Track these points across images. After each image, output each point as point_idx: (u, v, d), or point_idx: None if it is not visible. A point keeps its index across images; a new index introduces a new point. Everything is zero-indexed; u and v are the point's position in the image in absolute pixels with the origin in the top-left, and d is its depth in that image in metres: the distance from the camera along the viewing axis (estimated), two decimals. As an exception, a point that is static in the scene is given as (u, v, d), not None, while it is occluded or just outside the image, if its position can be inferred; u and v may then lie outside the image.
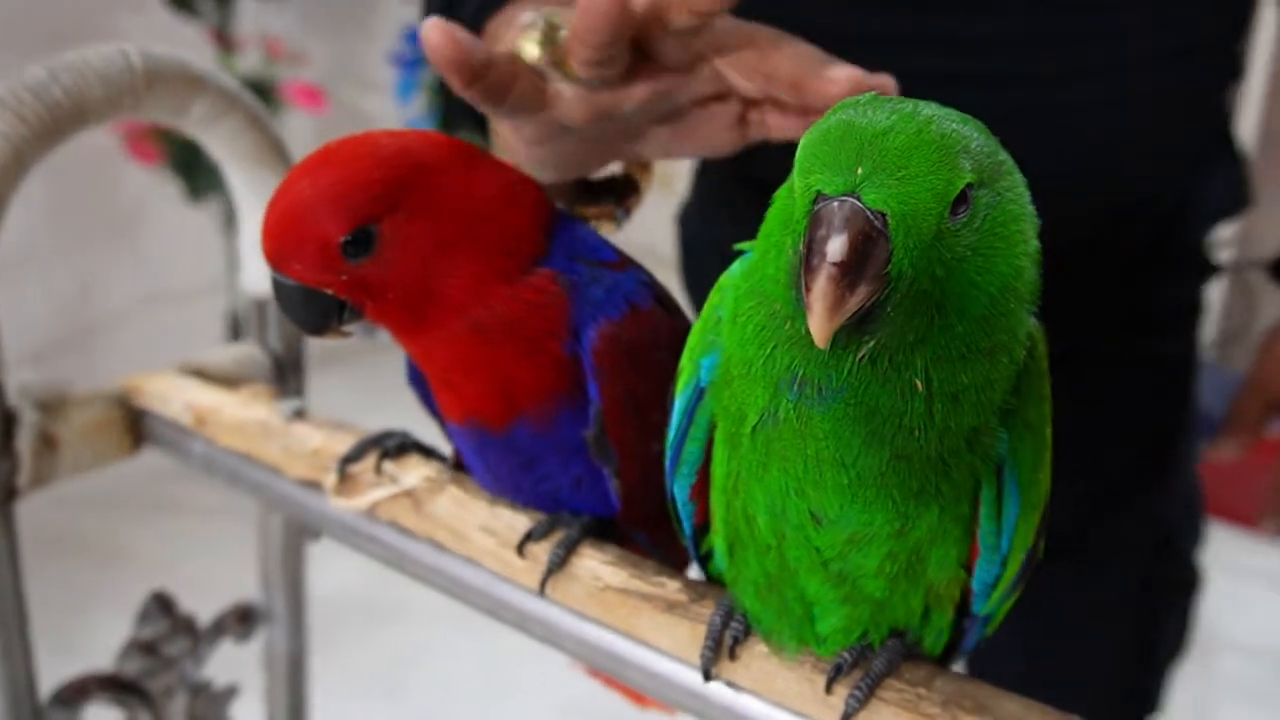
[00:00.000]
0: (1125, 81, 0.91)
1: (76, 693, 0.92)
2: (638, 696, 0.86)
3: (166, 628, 0.98)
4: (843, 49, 0.66)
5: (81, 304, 3.24)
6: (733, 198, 1.08)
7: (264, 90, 2.91)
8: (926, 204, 0.44)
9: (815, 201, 0.44)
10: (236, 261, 3.20)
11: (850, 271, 0.43)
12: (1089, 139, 0.92)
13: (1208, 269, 1.14)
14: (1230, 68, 1.02)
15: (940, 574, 0.54)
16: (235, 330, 3.15)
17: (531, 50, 0.66)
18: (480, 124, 0.78)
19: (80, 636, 2.06)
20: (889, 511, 0.51)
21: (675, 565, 0.70)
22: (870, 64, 0.65)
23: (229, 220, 3.02)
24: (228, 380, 0.93)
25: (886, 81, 0.64)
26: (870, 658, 0.56)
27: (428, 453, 0.76)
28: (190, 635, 1.00)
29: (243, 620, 1.05)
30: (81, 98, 0.79)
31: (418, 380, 0.74)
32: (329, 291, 0.60)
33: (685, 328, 0.69)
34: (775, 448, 0.51)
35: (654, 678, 0.64)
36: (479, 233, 0.61)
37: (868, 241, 0.43)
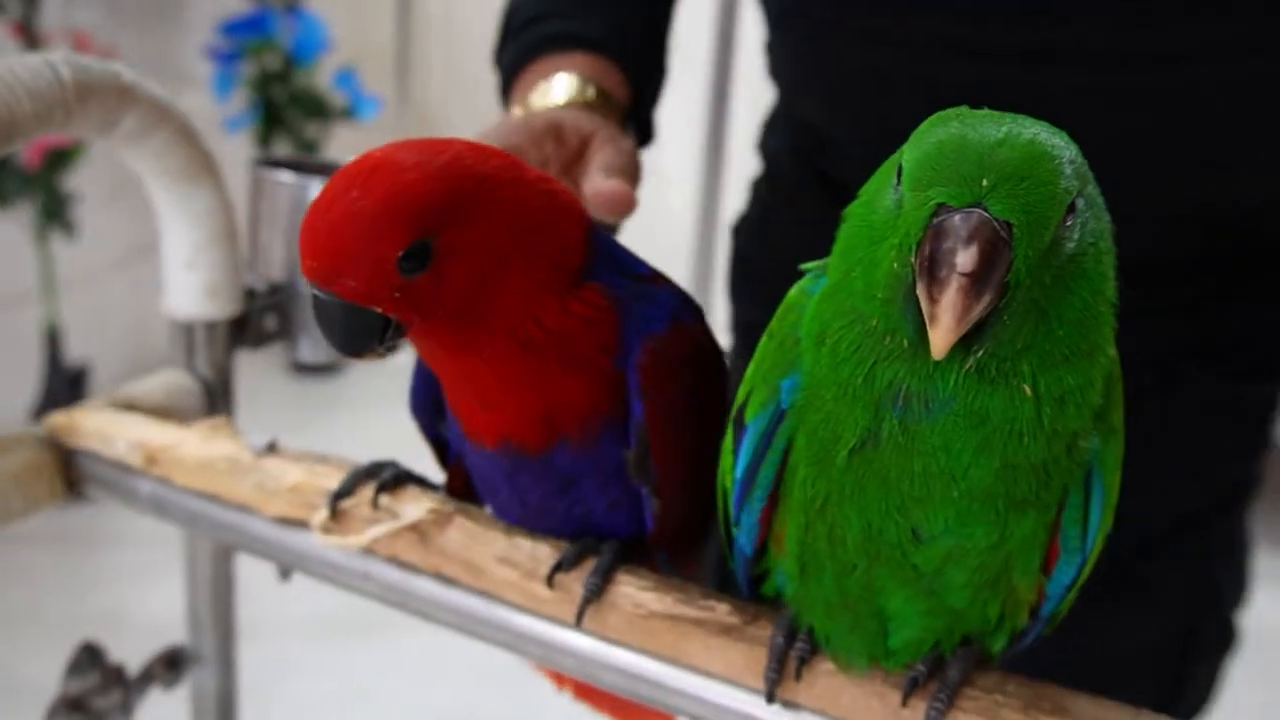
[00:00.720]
0: (1234, 70, 0.81)
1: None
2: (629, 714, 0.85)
3: (96, 681, 0.91)
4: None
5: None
6: (798, 199, 1.06)
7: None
8: (1047, 213, 0.45)
9: (935, 214, 0.44)
10: (52, 272, 2.97)
11: (979, 282, 0.44)
12: (1180, 132, 0.82)
13: None
14: None
15: (1024, 580, 0.55)
16: (53, 345, 2.94)
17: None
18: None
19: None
20: (990, 523, 0.51)
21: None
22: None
23: (42, 228, 2.81)
24: (160, 412, 0.86)
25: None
26: (945, 667, 0.57)
27: (423, 483, 0.72)
28: (121, 686, 0.92)
29: (171, 665, 0.98)
30: (10, 115, 0.71)
31: (422, 408, 0.70)
32: (377, 309, 0.57)
33: (716, 343, 0.68)
34: (875, 468, 0.51)
35: (703, 703, 0.63)
36: (531, 245, 0.59)
37: (995, 251, 0.44)
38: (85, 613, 2.46)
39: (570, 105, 0.83)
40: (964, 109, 0.48)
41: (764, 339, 0.58)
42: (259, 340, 0.97)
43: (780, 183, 1.12)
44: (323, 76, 3.77)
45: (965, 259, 0.44)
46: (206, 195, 0.87)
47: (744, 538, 0.60)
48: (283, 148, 3.66)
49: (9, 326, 3.02)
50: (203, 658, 1.00)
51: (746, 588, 0.64)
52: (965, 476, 0.49)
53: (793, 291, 0.57)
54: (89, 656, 0.90)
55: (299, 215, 0.99)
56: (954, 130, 0.46)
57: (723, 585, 0.71)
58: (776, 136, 1.13)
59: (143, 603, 2.42)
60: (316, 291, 0.56)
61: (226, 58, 3.54)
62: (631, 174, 0.78)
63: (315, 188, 0.98)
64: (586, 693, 0.83)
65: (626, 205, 0.75)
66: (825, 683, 0.59)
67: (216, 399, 0.93)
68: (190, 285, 0.89)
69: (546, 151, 0.79)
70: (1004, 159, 0.45)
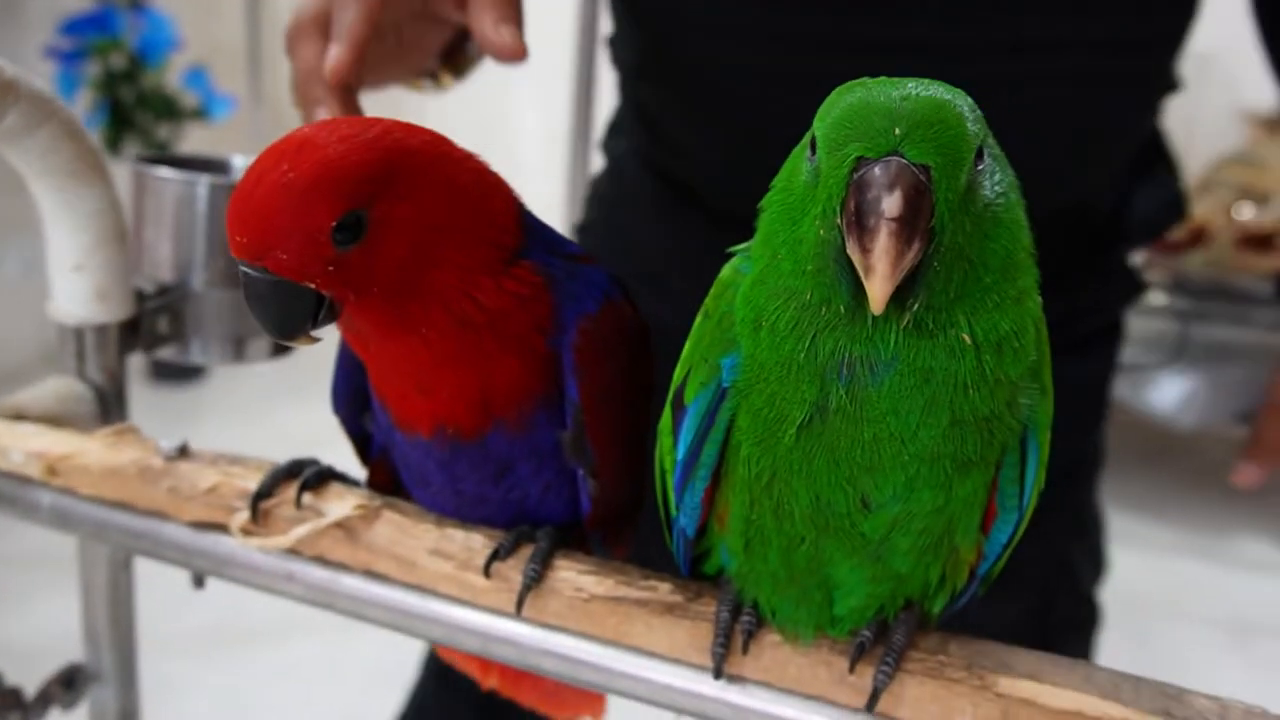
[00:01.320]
0: (1059, 87, 0.92)
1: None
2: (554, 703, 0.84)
3: (-10, 708, 0.86)
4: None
5: None
6: (641, 200, 1.07)
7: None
8: (961, 155, 0.47)
9: (855, 169, 0.46)
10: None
11: (906, 226, 0.45)
12: (1023, 141, 0.92)
13: (1134, 287, 1.13)
14: (1165, 79, 1.02)
15: (965, 540, 0.56)
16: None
17: None
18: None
19: None
20: (937, 486, 0.52)
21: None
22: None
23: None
24: (52, 420, 0.82)
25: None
26: (889, 632, 0.58)
27: (345, 480, 0.71)
28: (19, 710, 0.88)
29: (69, 685, 0.93)
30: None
31: (345, 401, 0.68)
32: (310, 286, 0.55)
33: (644, 321, 0.68)
34: (824, 441, 0.52)
35: (649, 684, 0.63)
36: (465, 221, 0.59)
37: (918, 195, 0.46)
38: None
39: None
40: (863, 79, 0.50)
41: (699, 318, 0.58)
42: (151, 344, 0.93)
43: (622, 184, 1.13)
44: (172, 76, 3.64)
45: (891, 204, 0.45)
46: (95, 195, 0.83)
47: (686, 518, 0.60)
48: (133, 149, 3.52)
49: None
50: (102, 675, 0.96)
51: (686, 567, 0.65)
52: (915, 438, 0.50)
53: (726, 270, 0.58)
54: (-18, 682, 0.86)
55: (187, 213, 0.96)
56: (859, 94, 0.49)
57: (649, 567, 0.71)
58: (619, 139, 1.15)
59: (37, 622, 2.32)
60: (247, 269, 0.55)
61: (69, 57, 3.39)
62: (517, 19, 0.79)
63: (203, 184, 0.95)
64: (513, 684, 0.82)
65: (519, 56, 0.77)
66: (771, 654, 0.60)
67: (110, 405, 0.89)
68: (79, 288, 0.85)
69: None
70: (912, 109, 0.47)
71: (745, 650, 0.60)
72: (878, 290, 0.46)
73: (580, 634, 0.64)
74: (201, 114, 3.71)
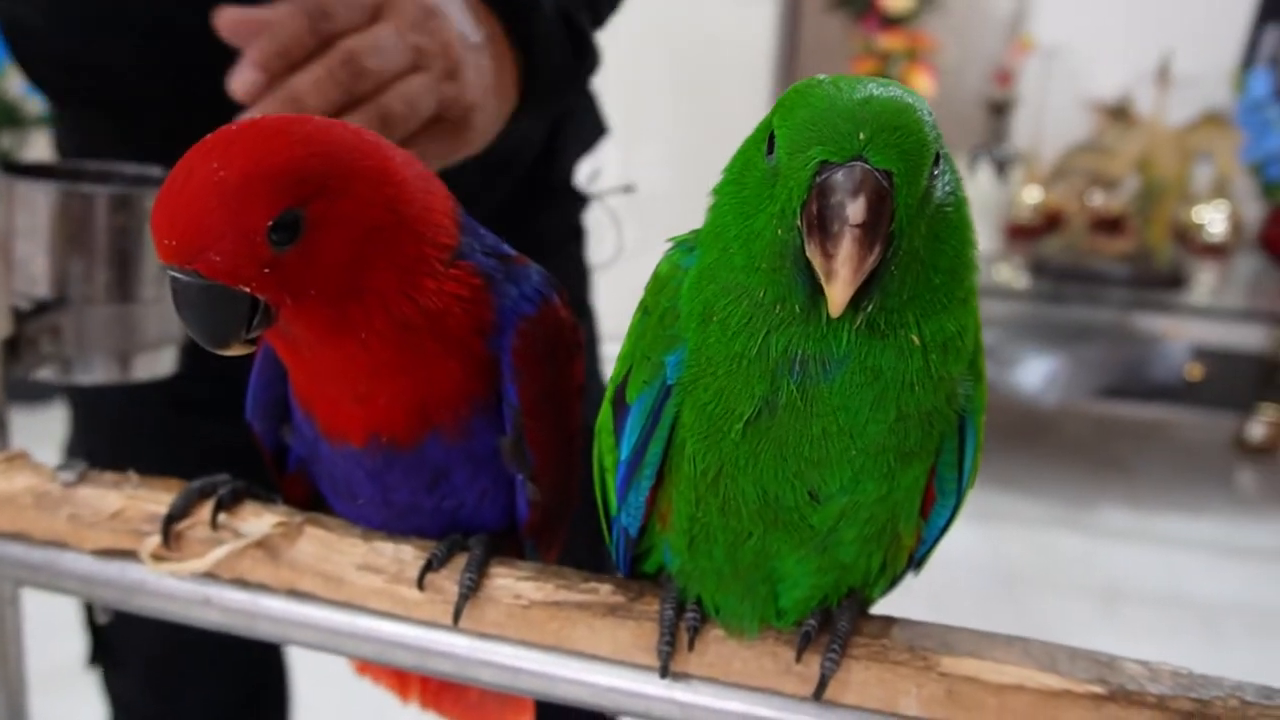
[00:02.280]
0: None
1: None
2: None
3: None
4: None
5: None
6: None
7: None
8: (921, 161, 0.47)
9: (818, 173, 0.46)
10: None
11: (869, 232, 0.45)
12: None
13: (580, 199, 1.24)
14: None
15: (906, 527, 0.57)
16: None
17: None
18: None
19: None
20: (881, 477, 0.53)
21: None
22: None
23: None
24: (-72, 449, 0.77)
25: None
26: (834, 619, 0.58)
27: (261, 497, 0.68)
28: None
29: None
30: None
31: (262, 413, 0.66)
32: (245, 290, 0.53)
33: (576, 321, 0.67)
34: (772, 436, 0.52)
35: (593, 688, 0.62)
36: (403, 220, 0.57)
37: (881, 201, 0.46)
38: None
39: None
40: (822, 76, 0.50)
41: (638, 314, 0.57)
42: (32, 364, 0.88)
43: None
44: (14, 83, 3.48)
45: (855, 210, 0.45)
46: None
47: (628, 517, 0.60)
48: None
49: None
50: (-12, 714, 0.90)
51: (625, 567, 0.64)
52: (863, 433, 0.51)
53: (662, 265, 0.57)
54: None
55: (65, 224, 0.91)
56: (821, 93, 0.48)
57: (578, 568, 0.70)
58: None
59: None
60: (176, 273, 0.52)
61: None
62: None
63: (82, 193, 0.90)
64: (434, 699, 0.81)
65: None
66: (716, 650, 0.60)
67: (-11, 430, 0.84)
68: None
69: None
70: (875, 113, 0.46)
71: (691, 647, 0.60)
72: (838, 294, 0.46)
73: (520, 641, 0.63)
74: (46, 121, 3.54)
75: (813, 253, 0.46)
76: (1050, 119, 4.17)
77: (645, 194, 3.86)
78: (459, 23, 0.76)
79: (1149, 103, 3.72)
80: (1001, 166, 3.93)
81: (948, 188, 0.50)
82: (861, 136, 0.46)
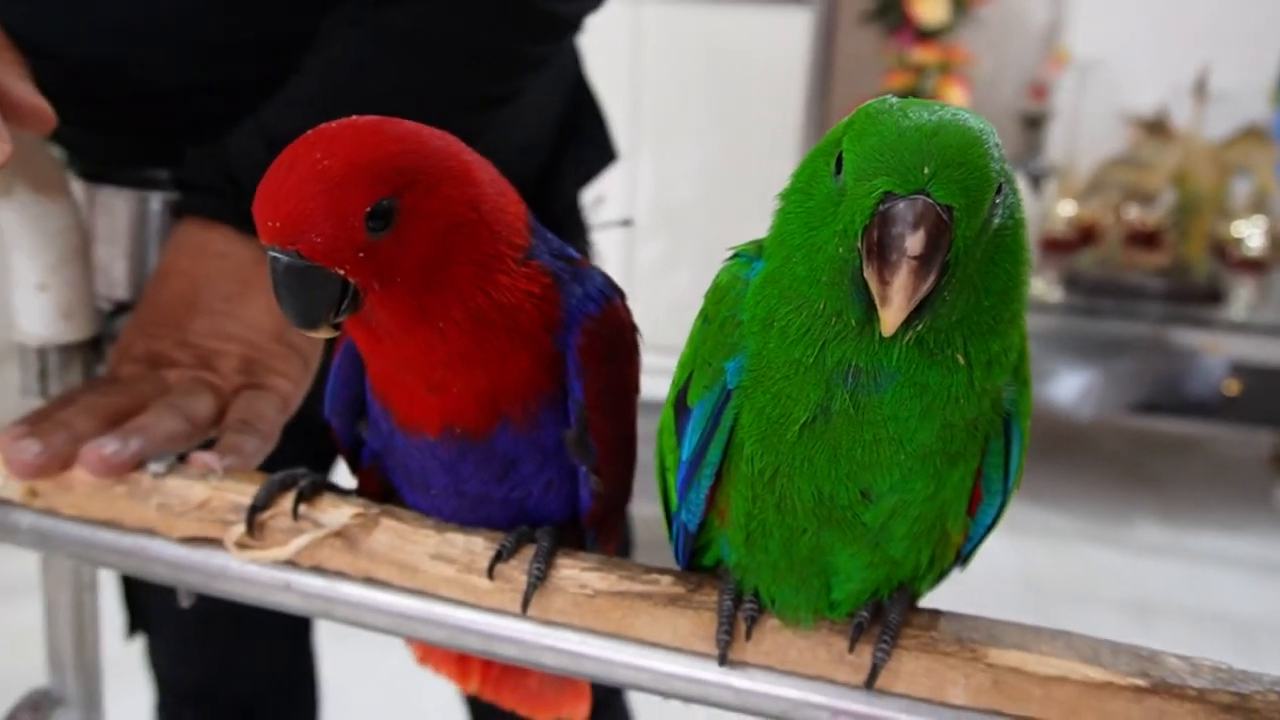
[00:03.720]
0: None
1: None
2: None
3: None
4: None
5: None
6: None
7: None
8: (982, 196, 0.50)
9: (882, 201, 0.48)
10: None
11: (926, 263, 0.48)
12: None
13: (582, 229, 1.26)
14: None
15: (954, 524, 0.60)
16: None
17: None
18: None
19: None
20: (929, 477, 0.56)
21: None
22: None
23: None
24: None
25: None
26: (885, 611, 0.61)
27: (338, 490, 0.72)
28: (-13, 742, 0.86)
29: (36, 710, 0.92)
30: None
31: (342, 410, 0.70)
32: (339, 273, 0.57)
33: (634, 322, 0.70)
34: (826, 439, 0.55)
35: (654, 674, 0.65)
36: (482, 219, 0.61)
37: (940, 234, 0.48)
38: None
39: None
40: (893, 99, 0.52)
41: (698, 322, 0.61)
42: (113, 362, 0.92)
43: None
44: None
45: (914, 243, 0.48)
46: (59, 212, 0.82)
47: (688, 514, 0.63)
48: None
49: None
50: (66, 700, 0.94)
51: (684, 560, 0.67)
52: (912, 439, 0.54)
53: (723, 275, 0.60)
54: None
55: (143, 230, 0.95)
56: (891, 121, 0.50)
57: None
58: None
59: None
60: (277, 254, 0.57)
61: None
62: None
63: (156, 200, 0.95)
64: (494, 688, 0.84)
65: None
66: (772, 639, 0.63)
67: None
68: (43, 308, 0.84)
69: None
70: (942, 147, 0.49)
71: (749, 636, 0.63)
72: (890, 319, 0.48)
73: (584, 629, 0.66)
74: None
75: (870, 276, 0.49)
76: (1085, 132, 4.18)
77: (678, 206, 3.90)
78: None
79: (1185, 116, 3.72)
80: (1036, 180, 3.94)
81: (1008, 212, 0.52)
82: (926, 171, 0.48)
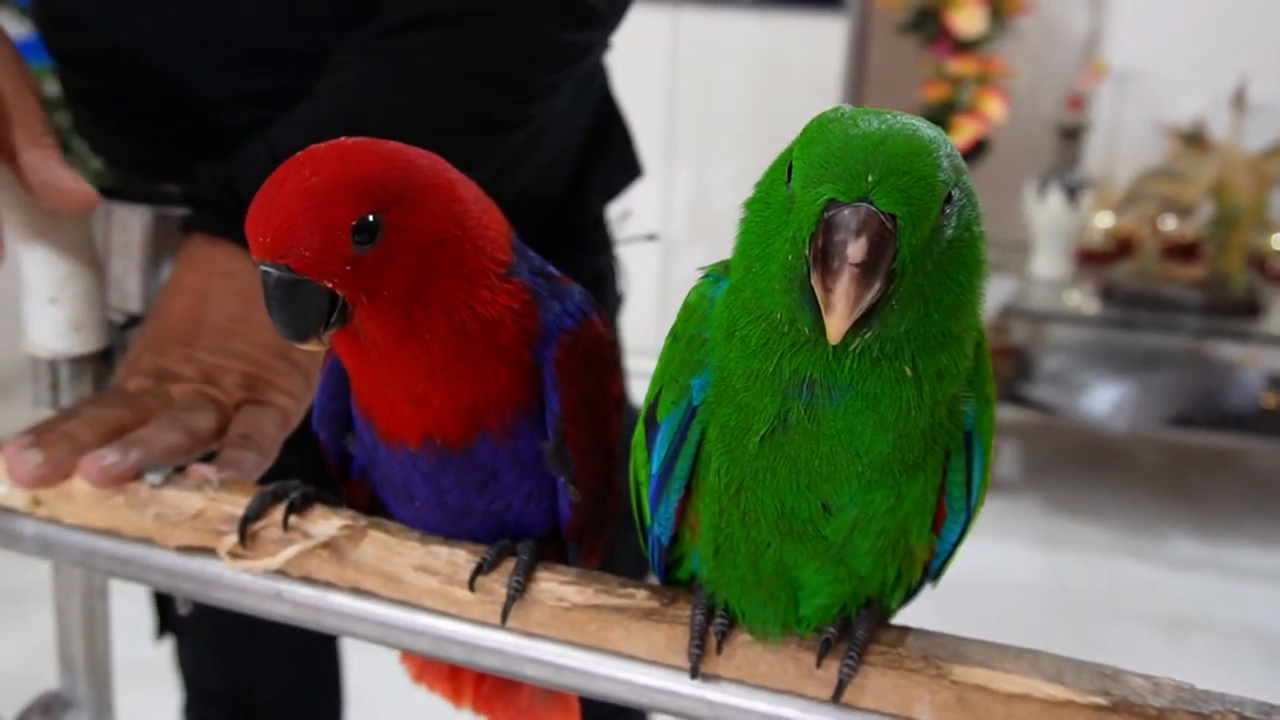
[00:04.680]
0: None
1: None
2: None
3: (-28, 739, 0.87)
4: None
5: None
6: None
7: None
8: (928, 205, 0.50)
9: (826, 209, 0.49)
10: None
11: (868, 271, 0.49)
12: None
13: (606, 244, 1.26)
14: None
15: (918, 540, 0.61)
16: None
17: None
18: None
19: None
20: (888, 488, 0.57)
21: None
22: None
23: None
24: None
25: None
26: (852, 628, 0.62)
27: (328, 502, 0.74)
28: (-1, 742, 0.89)
29: (47, 712, 0.95)
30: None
31: (329, 422, 0.72)
32: (327, 286, 0.60)
33: (615, 336, 0.72)
34: (785, 451, 0.56)
35: (628, 685, 0.67)
36: (467, 235, 0.63)
37: (882, 242, 0.49)
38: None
39: None
40: (846, 108, 0.53)
41: (668, 340, 0.62)
42: (124, 374, 0.95)
43: None
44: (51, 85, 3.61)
45: (855, 250, 0.48)
46: (70, 226, 0.85)
47: (660, 527, 0.64)
48: None
49: None
50: (77, 702, 0.97)
51: (661, 574, 0.68)
52: (868, 451, 0.55)
53: (692, 295, 0.62)
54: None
55: (155, 246, 0.98)
56: (839, 129, 0.51)
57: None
58: None
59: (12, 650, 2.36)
60: (267, 268, 0.59)
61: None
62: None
63: (173, 214, 0.98)
64: (486, 704, 0.85)
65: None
66: (743, 653, 0.64)
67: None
68: (54, 320, 0.87)
69: None
70: (887, 155, 0.49)
71: (719, 650, 0.64)
72: (835, 326, 0.49)
73: (563, 641, 0.67)
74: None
75: (816, 283, 0.49)
76: (1123, 144, 4.14)
77: (717, 216, 3.90)
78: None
79: (1224, 128, 3.67)
80: (1073, 192, 3.90)
81: (964, 222, 0.52)
82: (870, 179, 0.48)
